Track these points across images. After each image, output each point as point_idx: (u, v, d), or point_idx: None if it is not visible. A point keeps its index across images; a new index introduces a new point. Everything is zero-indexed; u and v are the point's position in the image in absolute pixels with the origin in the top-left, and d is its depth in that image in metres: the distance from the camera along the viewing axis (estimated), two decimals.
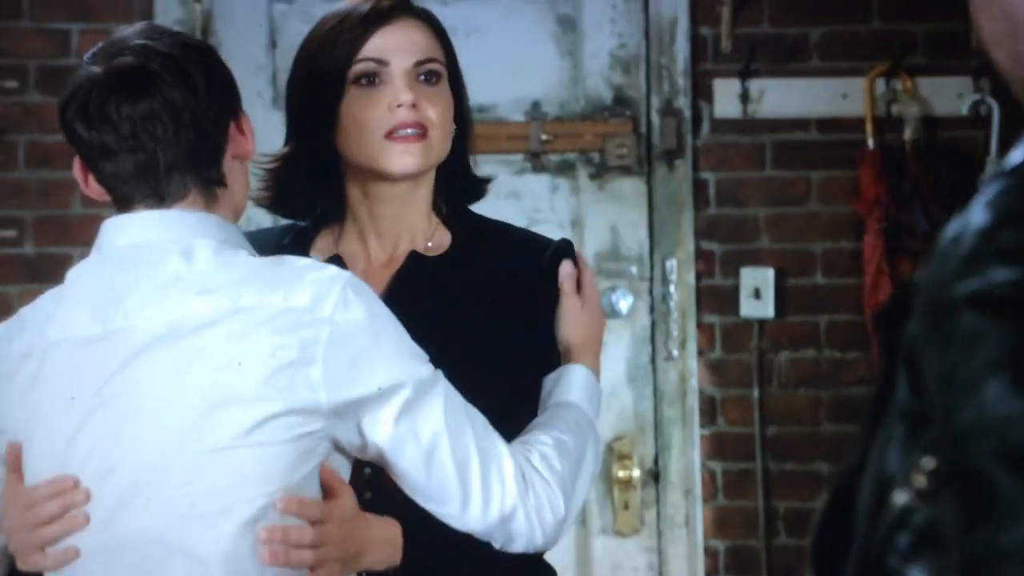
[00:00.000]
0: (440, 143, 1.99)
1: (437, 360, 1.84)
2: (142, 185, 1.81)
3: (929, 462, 0.92)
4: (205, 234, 1.80)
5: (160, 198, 1.81)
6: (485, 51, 3.90)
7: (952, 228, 0.93)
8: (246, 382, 1.72)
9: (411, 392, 1.77)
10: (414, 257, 2.02)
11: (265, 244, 2.02)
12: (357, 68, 1.97)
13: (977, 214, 0.91)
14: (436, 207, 2.07)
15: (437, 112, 1.97)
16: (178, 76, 1.79)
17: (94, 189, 1.86)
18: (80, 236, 3.89)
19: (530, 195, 4.00)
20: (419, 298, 1.98)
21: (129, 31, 1.84)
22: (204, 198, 1.82)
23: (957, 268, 0.90)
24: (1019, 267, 0.89)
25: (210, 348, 1.74)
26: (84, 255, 3.85)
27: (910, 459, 0.93)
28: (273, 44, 3.96)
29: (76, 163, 1.87)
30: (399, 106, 1.95)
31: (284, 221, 2.17)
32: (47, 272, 3.87)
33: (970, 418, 0.87)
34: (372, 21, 1.98)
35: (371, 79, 1.97)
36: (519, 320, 2.00)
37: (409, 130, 1.95)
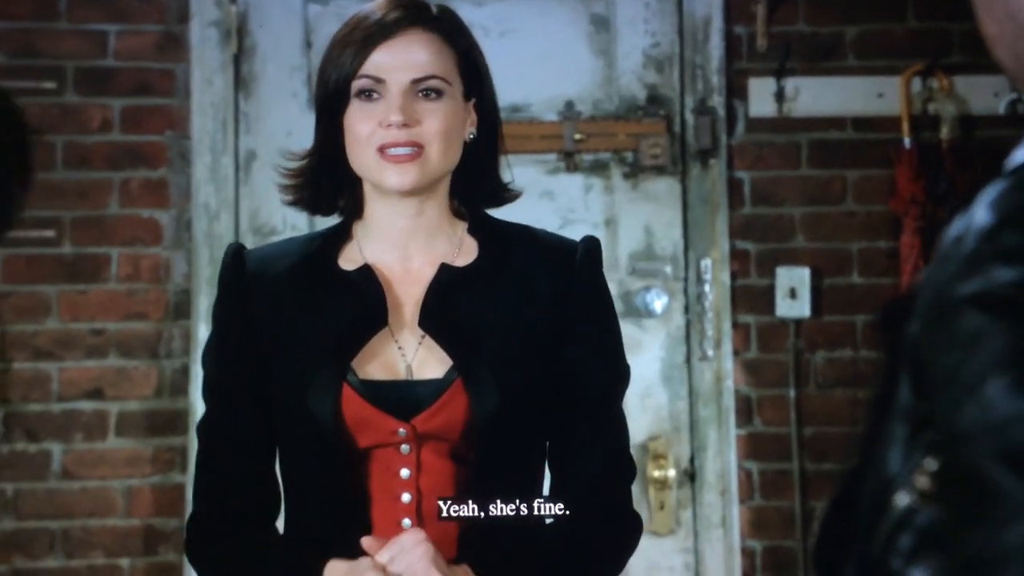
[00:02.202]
0: (441, 156, 1.97)
1: (485, 371, 1.89)
2: None
3: (931, 463, 0.91)
4: None
5: None
6: (518, 51, 3.90)
7: (955, 228, 0.92)
8: None
9: None
10: (444, 269, 2.02)
11: (291, 254, 2.04)
12: (357, 84, 1.98)
13: (980, 214, 0.91)
14: (457, 212, 2.07)
15: (437, 127, 1.96)
16: None
17: None
18: (118, 236, 3.91)
19: (564, 195, 4.00)
20: (456, 310, 1.99)
21: None
22: None
23: (959, 268, 0.90)
24: (1021, 267, 0.88)
25: None
26: (122, 255, 3.90)
27: (912, 460, 0.93)
28: (308, 45, 3.97)
29: None
30: (389, 125, 1.95)
31: (320, 224, 2.17)
32: (85, 272, 3.90)
33: (972, 418, 0.87)
34: (374, 36, 1.98)
35: (368, 94, 1.98)
36: (560, 327, 2.00)
37: (401, 149, 1.95)
